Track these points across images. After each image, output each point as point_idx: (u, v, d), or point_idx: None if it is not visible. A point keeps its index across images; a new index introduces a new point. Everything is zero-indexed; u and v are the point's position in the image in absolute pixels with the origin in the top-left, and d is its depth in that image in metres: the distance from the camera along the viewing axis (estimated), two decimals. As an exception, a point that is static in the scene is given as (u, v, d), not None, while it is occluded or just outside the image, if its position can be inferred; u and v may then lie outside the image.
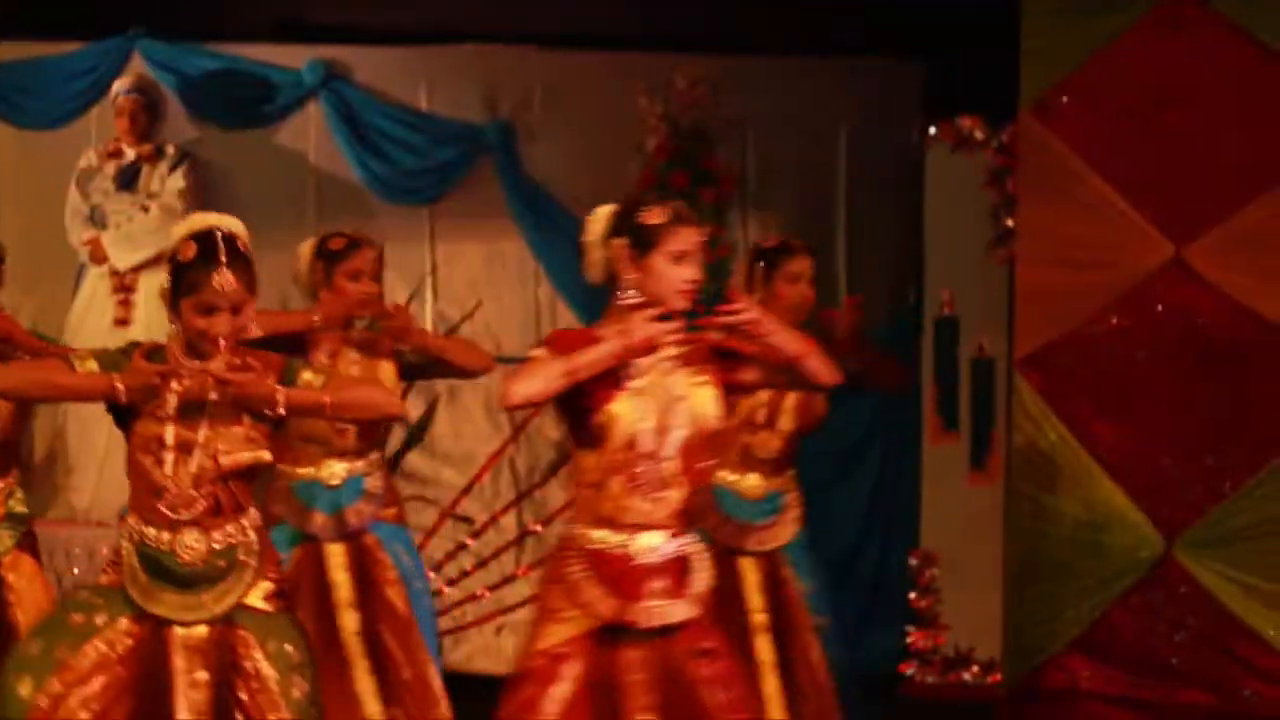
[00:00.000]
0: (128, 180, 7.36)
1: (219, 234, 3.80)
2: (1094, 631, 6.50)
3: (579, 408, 3.66)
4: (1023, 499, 6.59)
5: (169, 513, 3.72)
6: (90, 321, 7.40)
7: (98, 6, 7.49)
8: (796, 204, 7.70)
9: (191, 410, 3.74)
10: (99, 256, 7.35)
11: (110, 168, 7.38)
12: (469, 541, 7.43)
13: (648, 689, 3.64)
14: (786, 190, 7.72)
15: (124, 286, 7.36)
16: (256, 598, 3.79)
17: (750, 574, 5.09)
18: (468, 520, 7.45)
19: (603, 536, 3.66)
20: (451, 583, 7.42)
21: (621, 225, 3.71)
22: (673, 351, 3.72)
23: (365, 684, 5.04)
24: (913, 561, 7.40)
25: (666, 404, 3.68)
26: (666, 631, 3.66)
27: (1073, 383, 6.53)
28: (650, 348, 3.66)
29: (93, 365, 3.73)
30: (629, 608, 3.63)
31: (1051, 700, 6.54)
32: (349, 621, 5.02)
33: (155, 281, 7.29)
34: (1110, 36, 6.44)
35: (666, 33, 7.47)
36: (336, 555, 5.05)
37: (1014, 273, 6.83)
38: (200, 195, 7.38)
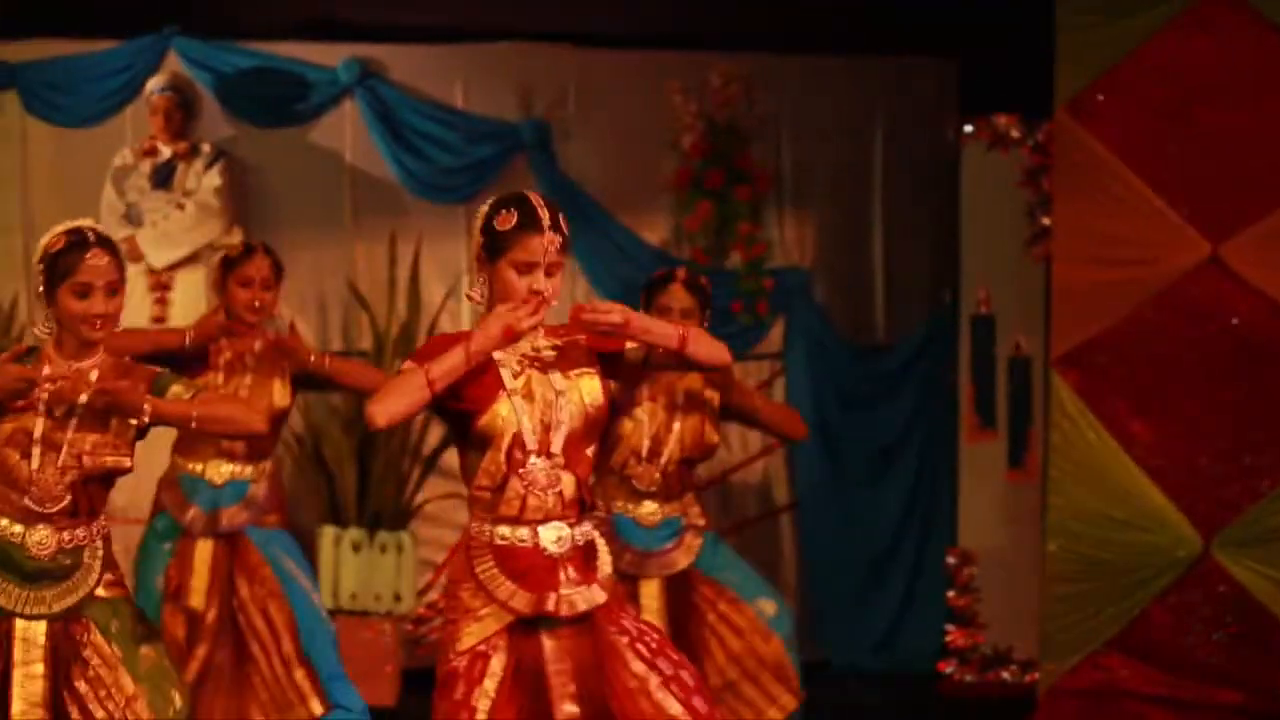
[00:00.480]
0: (163, 178, 7.54)
1: (85, 227, 4.08)
2: (1131, 630, 6.66)
3: (459, 414, 3.73)
4: (1060, 497, 6.74)
5: (35, 506, 3.95)
6: (126, 320, 7.42)
7: (133, 5, 7.67)
8: (832, 202, 7.92)
9: (61, 410, 3.98)
10: (135, 255, 7.50)
11: (146, 166, 7.56)
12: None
13: (571, 677, 3.72)
14: (822, 188, 7.93)
15: (160, 285, 7.55)
16: (99, 589, 4.02)
17: (651, 600, 5.23)
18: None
19: (507, 532, 3.72)
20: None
21: (483, 223, 3.76)
22: (545, 347, 3.76)
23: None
24: (950, 560, 7.59)
25: (547, 401, 3.74)
26: (582, 619, 3.74)
27: (1109, 381, 6.69)
28: (510, 336, 3.67)
29: None
30: (546, 598, 3.71)
31: (1089, 699, 6.69)
32: (210, 615, 5.36)
33: (192, 280, 7.59)
34: (1146, 34, 6.60)
35: (701, 31, 7.66)
36: (203, 551, 5.38)
37: (1050, 271, 7.01)
38: (235, 193, 7.59)
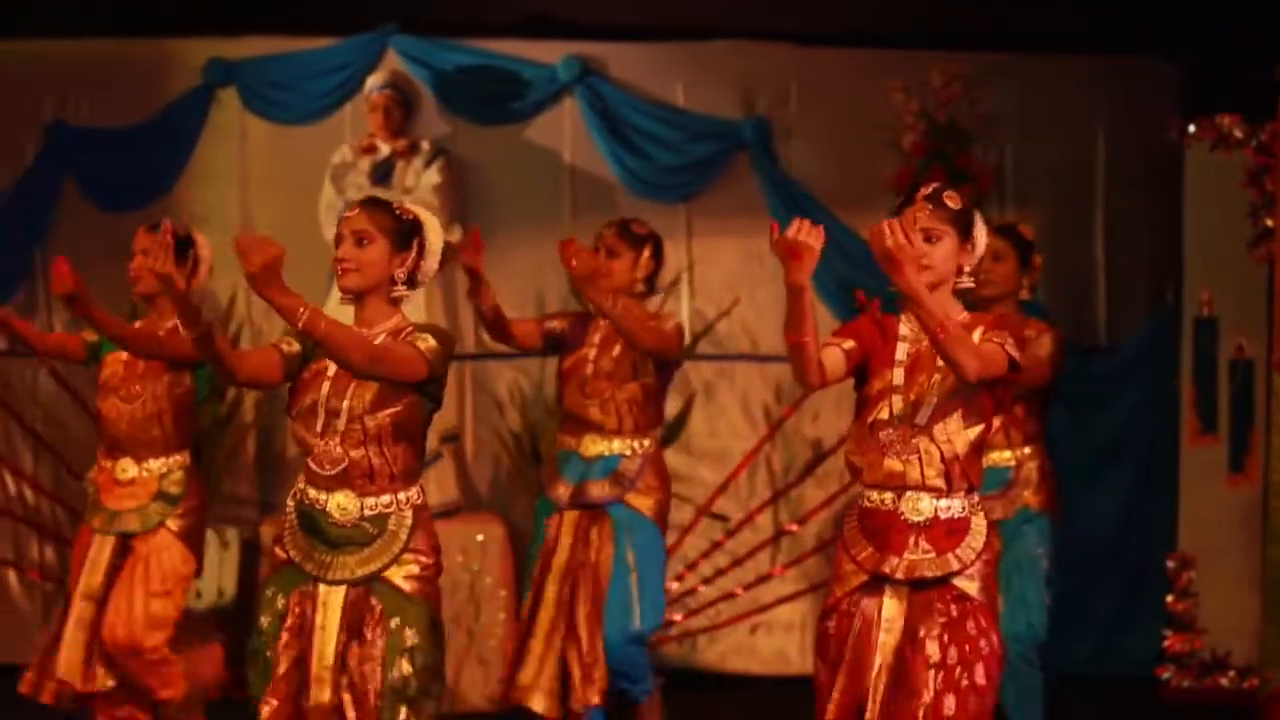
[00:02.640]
0: (382, 176, 8.43)
1: None
2: (1354, 635, 7.47)
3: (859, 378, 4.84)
4: (1281, 501, 7.57)
5: (317, 469, 4.73)
6: (344, 318, 8.41)
7: (351, 3, 8.66)
8: (1054, 203, 8.80)
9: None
10: None
11: (365, 163, 8.46)
12: (724, 540, 8.64)
13: (895, 641, 4.69)
14: (1044, 189, 8.81)
15: None
16: (397, 574, 4.78)
17: None
18: (723, 518, 8.64)
19: (874, 495, 4.75)
20: (707, 581, 8.63)
21: None
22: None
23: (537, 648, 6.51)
24: (1170, 564, 8.45)
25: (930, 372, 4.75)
26: (921, 585, 4.69)
27: (1333, 384, 7.50)
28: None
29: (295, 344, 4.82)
30: (886, 560, 4.71)
31: (1310, 705, 7.50)
32: (550, 591, 6.51)
33: None
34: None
35: (923, 29, 8.57)
36: (569, 521, 6.55)
37: (1273, 273, 7.93)
38: (454, 191, 8.51)
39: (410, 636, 4.77)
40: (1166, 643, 8.45)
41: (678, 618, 8.56)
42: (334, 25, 8.67)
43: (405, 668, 4.75)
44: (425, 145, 8.54)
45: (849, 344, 4.78)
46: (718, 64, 8.74)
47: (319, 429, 4.76)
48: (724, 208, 8.73)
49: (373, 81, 8.56)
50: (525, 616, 6.69)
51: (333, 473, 4.74)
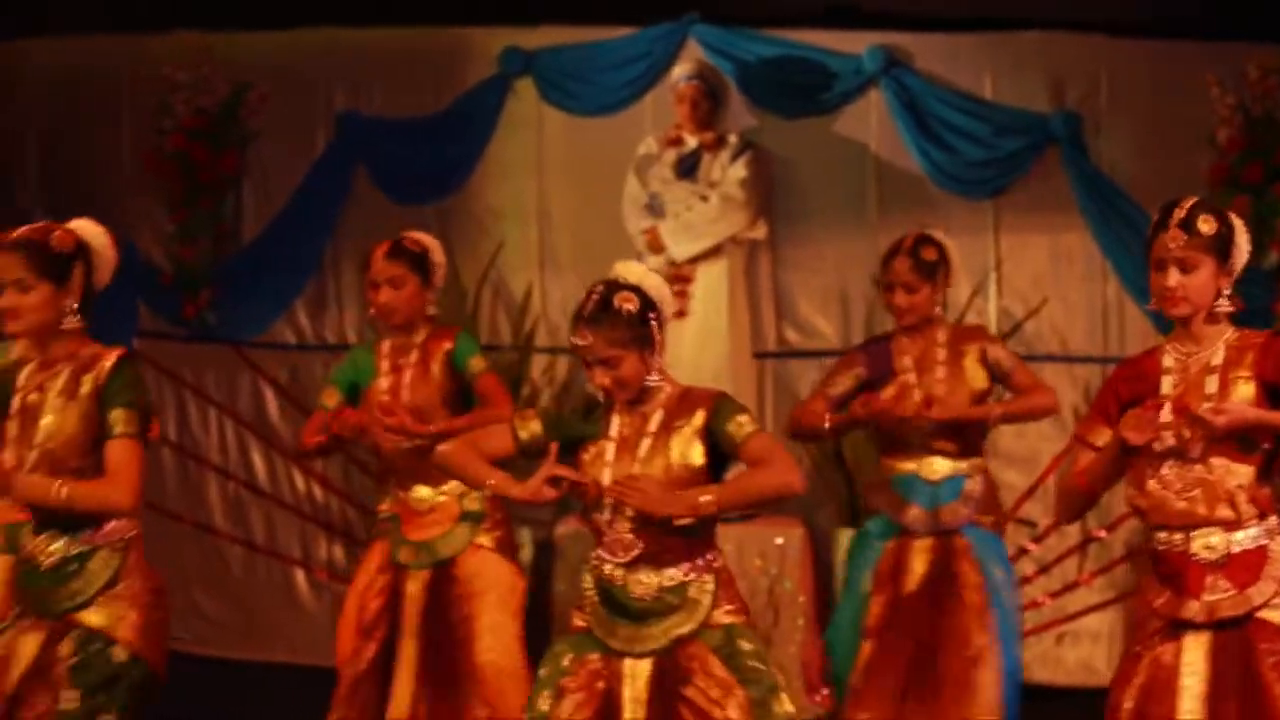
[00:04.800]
0: (688, 169, 9.32)
1: None
2: None
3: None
4: None
5: (608, 556, 5.17)
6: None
7: (651, -9, 9.59)
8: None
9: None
10: (656, 246, 9.30)
11: (670, 155, 9.34)
12: (1031, 546, 9.49)
13: (1208, 688, 4.97)
14: (1367, 185, 9.54)
15: (681, 278, 9.21)
16: (717, 613, 5.18)
17: None
18: (1030, 524, 9.47)
19: (1162, 537, 5.09)
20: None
21: None
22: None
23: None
24: None
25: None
26: (1230, 624, 4.98)
27: None
28: None
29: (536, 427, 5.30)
30: (1184, 605, 5.04)
31: None
32: (907, 614, 7.13)
33: (713, 273, 9.33)
34: None
35: (1238, 20, 9.26)
36: (922, 548, 7.19)
37: None
38: (760, 185, 9.37)
39: (744, 643, 5.25)
40: None
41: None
42: (632, 14, 9.61)
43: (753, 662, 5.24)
44: (733, 138, 9.41)
45: (1102, 439, 5.22)
46: (1026, 55, 9.55)
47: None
48: (1033, 204, 9.51)
49: (680, 72, 9.43)
50: (865, 637, 7.26)
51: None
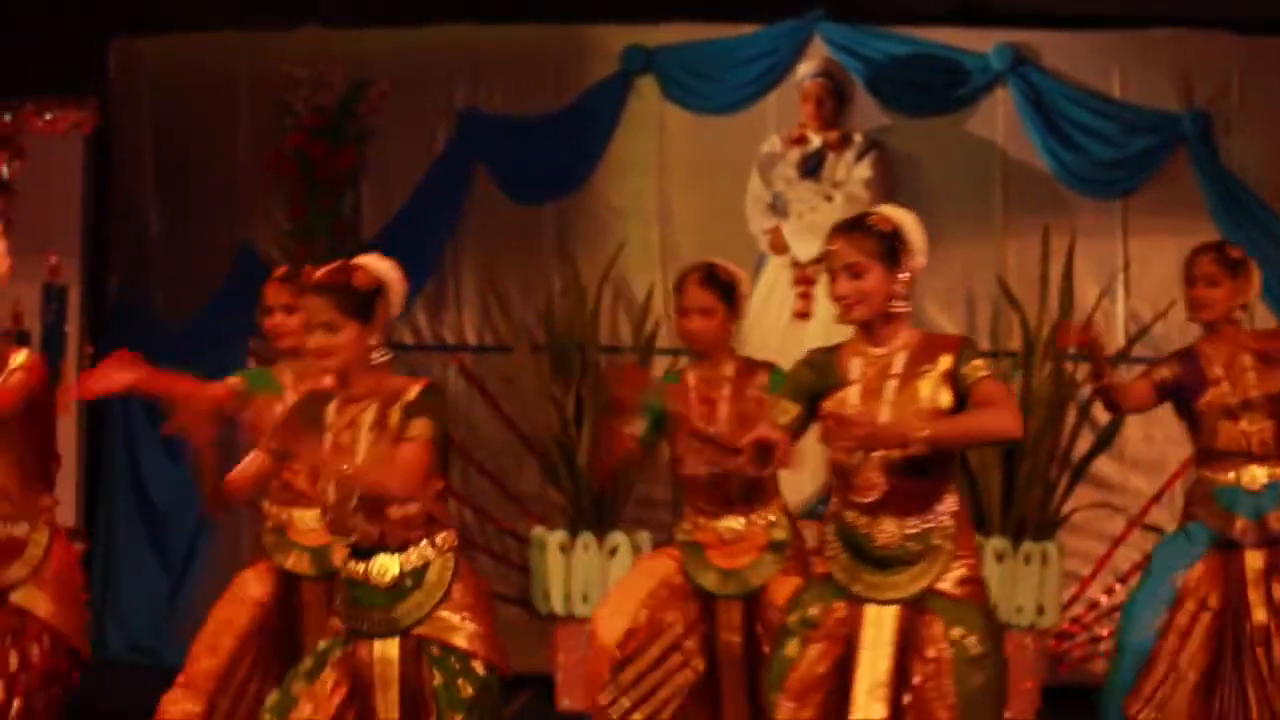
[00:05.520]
0: (812, 168, 9.59)
1: None
2: None
3: None
4: None
5: (856, 498, 5.45)
6: (769, 314, 9.57)
7: (777, -12, 9.86)
8: None
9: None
10: (779, 246, 9.59)
11: (794, 155, 9.61)
12: (1150, 553, 9.64)
13: None
14: None
15: (805, 279, 9.52)
16: (949, 582, 5.44)
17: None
18: (1158, 530, 9.60)
19: None
20: (1140, 596, 9.65)
21: None
22: None
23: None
24: None
25: None
26: None
27: None
28: None
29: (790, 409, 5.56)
30: None
31: None
32: (1248, 624, 7.14)
33: None
34: None
35: (1375, 18, 9.55)
36: (1255, 560, 7.21)
37: None
38: (885, 185, 9.61)
39: (973, 645, 5.43)
40: None
41: (1104, 632, 9.51)
42: (757, 11, 9.89)
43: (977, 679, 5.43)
44: (857, 137, 9.69)
45: None
46: (1155, 53, 9.77)
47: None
48: (1161, 205, 9.71)
49: (804, 70, 9.71)
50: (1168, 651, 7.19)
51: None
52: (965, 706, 5.34)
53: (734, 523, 6.80)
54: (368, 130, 10.21)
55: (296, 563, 6.80)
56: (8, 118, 10.03)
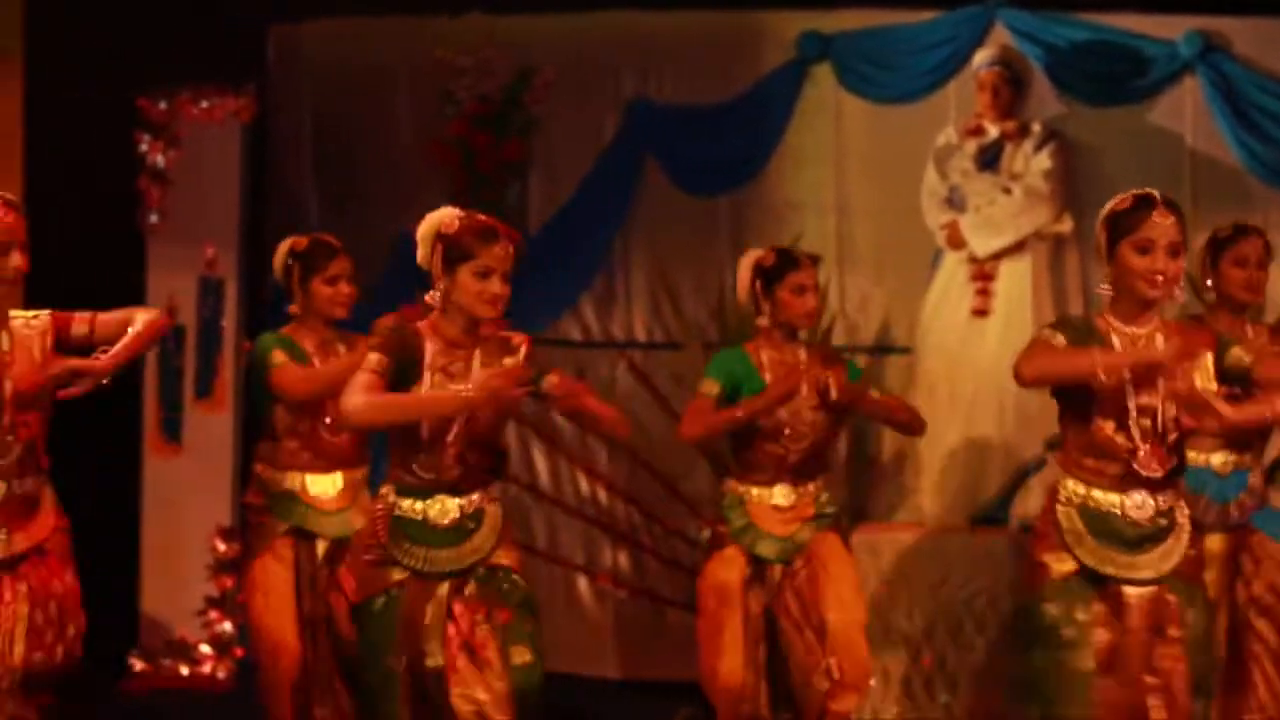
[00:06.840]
0: (989, 160, 9.90)
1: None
2: None
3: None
4: None
5: (1142, 470, 5.96)
6: (946, 311, 9.93)
7: (966, -29, 10.15)
8: None
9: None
10: (956, 241, 9.90)
11: (970, 146, 9.93)
12: None
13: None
14: None
15: (983, 275, 9.84)
16: (1183, 562, 6.06)
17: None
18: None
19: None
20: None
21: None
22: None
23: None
24: None
25: None
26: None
27: None
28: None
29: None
30: None
31: None
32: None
33: (1017, 270, 9.85)
34: None
35: None
36: (1214, 544, 7.65)
37: None
38: (1065, 177, 9.91)
39: (1202, 629, 6.10)
40: None
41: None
42: (937, -3, 10.22)
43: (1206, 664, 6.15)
44: (1036, 127, 9.97)
45: None
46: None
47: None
48: (1355, 200, 9.96)
49: (981, 58, 10.01)
50: None
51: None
52: (1193, 690, 6.00)
53: (787, 493, 7.74)
54: (533, 120, 10.63)
55: (315, 523, 7.76)
56: (163, 105, 10.51)
